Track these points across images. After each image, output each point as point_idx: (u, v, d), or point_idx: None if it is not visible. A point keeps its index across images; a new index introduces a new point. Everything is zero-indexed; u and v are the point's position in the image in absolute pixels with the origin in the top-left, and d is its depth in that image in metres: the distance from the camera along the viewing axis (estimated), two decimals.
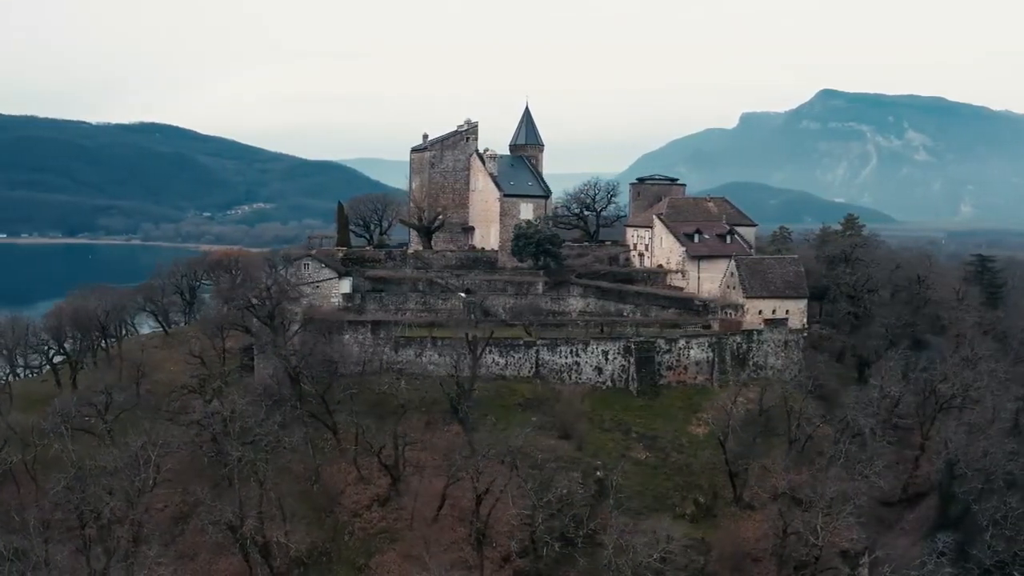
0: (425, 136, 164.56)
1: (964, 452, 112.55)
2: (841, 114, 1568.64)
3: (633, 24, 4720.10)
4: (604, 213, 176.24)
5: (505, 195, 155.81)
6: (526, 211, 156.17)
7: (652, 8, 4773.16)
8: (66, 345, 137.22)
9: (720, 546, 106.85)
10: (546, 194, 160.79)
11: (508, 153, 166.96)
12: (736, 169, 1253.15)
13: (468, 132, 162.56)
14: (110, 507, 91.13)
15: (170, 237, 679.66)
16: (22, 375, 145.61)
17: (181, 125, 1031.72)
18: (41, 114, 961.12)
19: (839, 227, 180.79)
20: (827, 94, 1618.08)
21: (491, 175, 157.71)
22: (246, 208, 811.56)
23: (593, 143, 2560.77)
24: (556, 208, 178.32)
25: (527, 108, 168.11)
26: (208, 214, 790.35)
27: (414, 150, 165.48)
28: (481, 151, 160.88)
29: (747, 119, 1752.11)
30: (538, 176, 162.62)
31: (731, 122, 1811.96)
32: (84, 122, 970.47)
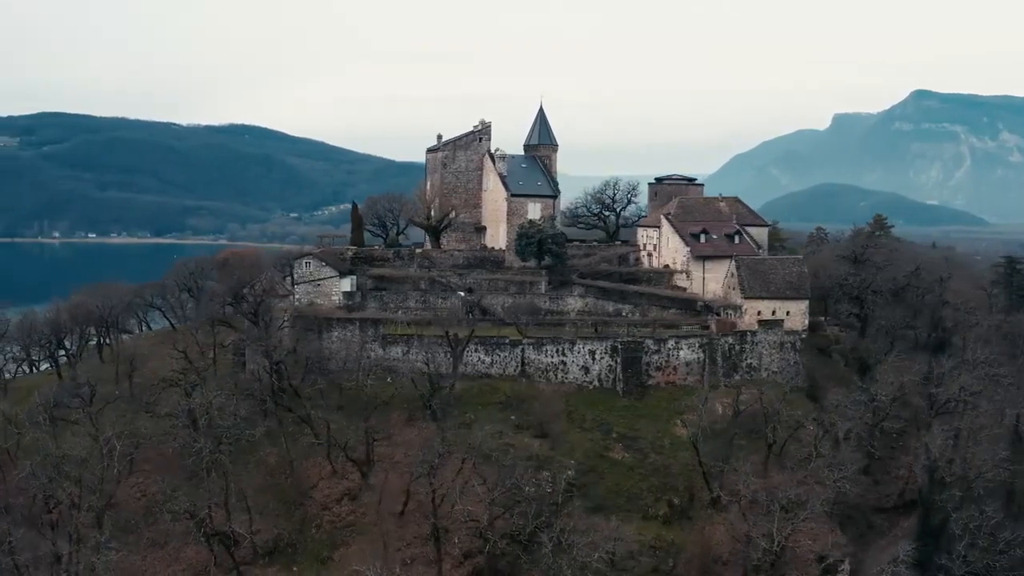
0: (439, 137, 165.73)
1: (956, 458, 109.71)
2: (935, 115, 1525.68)
3: (724, 24, 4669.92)
4: (624, 213, 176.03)
5: (512, 195, 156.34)
6: (534, 211, 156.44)
7: (746, 7, 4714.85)
8: (66, 341, 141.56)
9: (690, 548, 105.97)
10: (554, 194, 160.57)
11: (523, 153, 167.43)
12: (828, 170, 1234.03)
13: (481, 132, 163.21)
14: (69, 494, 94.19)
15: (255, 237, 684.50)
16: (38, 368, 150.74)
17: (270, 126, 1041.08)
18: (131, 115, 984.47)
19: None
20: (920, 95, 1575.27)
21: (500, 175, 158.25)
22: (333, 209, 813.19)
23: (685, 144, 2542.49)
24: (576, 208, 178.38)
25: (540, 109, 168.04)
26: (295, 215, 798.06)
27: (429, 151, 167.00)
28: (492, 151, 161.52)
29: (839, 120, 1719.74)
30: (548, 176, 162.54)
31: (823, 123, 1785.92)
32: (174, 123, 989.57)
